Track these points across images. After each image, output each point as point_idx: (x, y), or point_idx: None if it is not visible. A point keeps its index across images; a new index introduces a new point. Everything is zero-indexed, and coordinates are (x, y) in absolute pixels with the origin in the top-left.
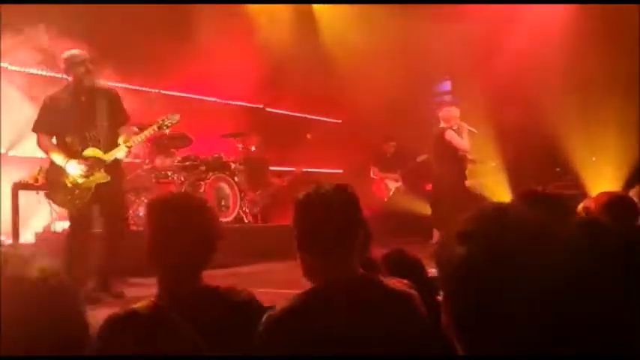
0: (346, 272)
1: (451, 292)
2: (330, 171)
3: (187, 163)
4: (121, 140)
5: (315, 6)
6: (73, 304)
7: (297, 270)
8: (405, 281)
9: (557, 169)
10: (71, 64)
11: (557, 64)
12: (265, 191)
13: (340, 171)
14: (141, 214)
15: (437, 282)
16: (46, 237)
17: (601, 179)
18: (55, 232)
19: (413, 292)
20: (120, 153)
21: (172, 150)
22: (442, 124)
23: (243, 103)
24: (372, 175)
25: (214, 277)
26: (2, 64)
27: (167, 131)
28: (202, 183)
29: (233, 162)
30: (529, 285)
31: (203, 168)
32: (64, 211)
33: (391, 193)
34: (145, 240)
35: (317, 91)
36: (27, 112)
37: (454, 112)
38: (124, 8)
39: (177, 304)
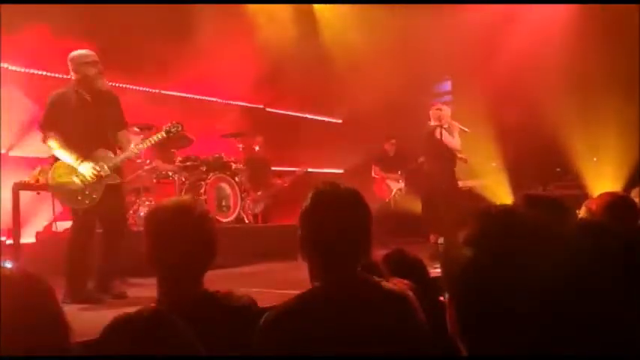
0: (346, 274)
1: (457, 294)
2: (331, 171)
3: (188, 164)
4: (132, 144)
5: (316, 6)
6: (48, 302)
7: (297, 270)
8: (406, 281)
9: (558, 170)
10: (80, 64)
11: (558, 64)
12: (267, 191)
13: (341, 171)
14: (142, 214)
15: (439, 282)
16: (46, 236)
17: (602, 179)
18: (55, 232)
19: (409, 293)
20: (129, 156)
21: (173, 150)
22: (433, 123)
23: (244, 104)
24: (373, 174)
25: (215, 277)
26: (2, 65)
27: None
28: (203, 183)
29: (234, 162)
30: (534, 287)
31: (204, 168)
32: (65, 211)
33: (392, 193)
34: (145, 246)
35: (317, 90)
36: (27, 112)
37: (445, 110)
38: (124, 8)
39: (177, 309)
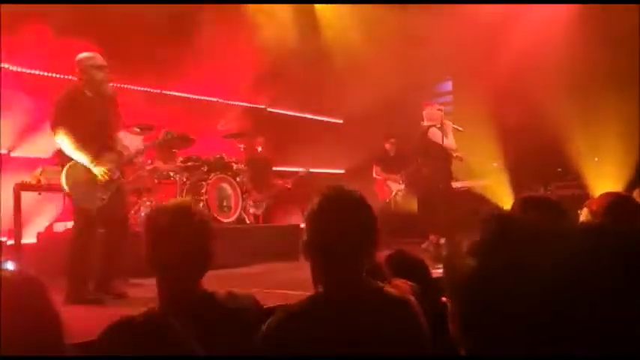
0: (349, 277)
1: (460, 299)
2: (332, 171)
3: (189, 164)
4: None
5: (317, 6)
6: (42, 302)
7: (298, 270)
8: (409, 282)
9: (559, 170)
10: (89, 66)
11: (559, 64)
12: (268, 192)
13: (342, 171)
14: (143, 214)
15: (441, 283)
16: (47, 237)
17: (603, 180)
18: (57, 232)
19: (411, 297)
20: (132, 158)
21: (174, 151)
22: (426, 123)
23: (245, 104)
24: (374, 175)
25: (216, 277)
26: (3, 65)
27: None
28: (204, 183)
29: (235, 162)
30: (537, 291)
31: (205, 168)
32: (66, 212)
33: (393, 194)
34: (144, 247)
35: (318, 91)
36: (29, 113)
37: (438, 110)
38: (126, 9)
39: (176, 310)
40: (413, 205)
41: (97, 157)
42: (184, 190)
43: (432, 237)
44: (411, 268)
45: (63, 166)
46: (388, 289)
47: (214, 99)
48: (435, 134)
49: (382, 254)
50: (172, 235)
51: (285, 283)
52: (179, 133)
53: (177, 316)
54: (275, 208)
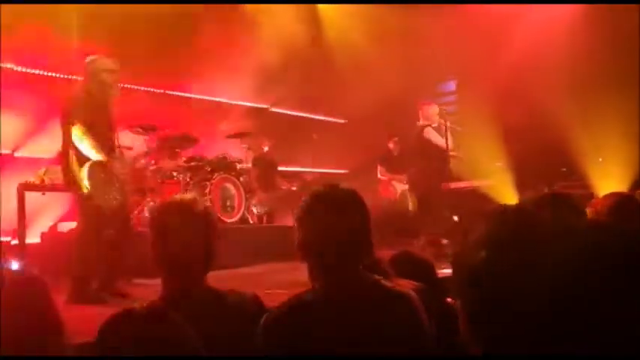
0: (346, 274)
1: (469, 296)
2: (336, 171)
3: (193, 164)
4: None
5: (320, 6)
6: (42, 301)
7: (301, 271)
8: (413, 282)
9: (563, 169)
10: (100, 69)
11: (564, 64)
12: (274, 194)
13: (345, 171)
14: (146, 214)
15: (446, 283)
16: (51, 237)
17: (607, 179)
18: (60, 232)
19: (411, 292)
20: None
21: (177, 150)
22: (422, 122)
23: (249, 104)
24: (379, 175)
25: (218, 277)
26: (7, 65)
27: None
28: (208, 183)
29: (238, 162)
30: (548, 288)
31: (208, 168)
32: (70, 212)
33: (398, 194)
34: (149, 244)
35: (321, 91)
36: (32, 112)
37: (434, 109)
38: (128, 9)
39: (179, 305)
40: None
41: (110, 154)
42: (188, 190)
43: (422, 237)
44: (416, 268)
45: (81, 165)
46: (386, 282)
47: (217, 99)
48: (430, 134)
49: (387, 254)
50: (177, 230)
51: (288, 284)
52: (181, 133)
53: (179, 310)
54: (279, 209)
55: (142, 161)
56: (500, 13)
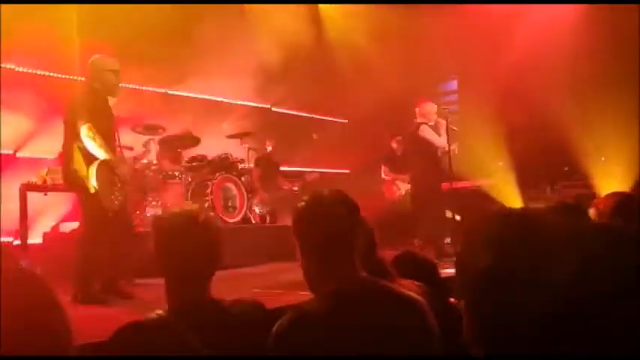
0: (348, 277)
1: (474, 298)
2: (338, 171)
3: (194, 164)
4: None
5: (321, 6)
6: (49, 302)
7: (301, 271)
8: (416, 282)
9: (566, 169)
10: (104, 70)
11: (566, 63)
12: (276, 194)
13: (347, 171)
14: (148, 214)
15: (449, 283)
16: (54, 237)
17: (610, 179)
18: (63, 233)
19: (422, 299)
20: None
21: (179, 150)
22: (418, 120)
23: (250, 103)
24: (383, 175)
25: (220, 277)
26: (9, 66)
27: None
28: (209, 183)
29: (240, 162)
30: (553, 290)
31: (210, 168)
32: (72, 212)
33: (402, 194)
34: (153, 254)
35: (323, 90)
36: (34, 113)
37: (431, 107)
38: (129, 9)
39: (185, 317)
40: None
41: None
42: (189, 190)
43: (417, 241)
44: (418, 268)
45: (88, 164)
46: (396, 287)
47: (219, 99)
48: (426, 131)
49: (389, 254)
50: (179, 241)
51: (290, 284)
52: (183, 134)
53: (185, 322)
54: (281, 209)
55: (144, 161)
56: (501, 13)
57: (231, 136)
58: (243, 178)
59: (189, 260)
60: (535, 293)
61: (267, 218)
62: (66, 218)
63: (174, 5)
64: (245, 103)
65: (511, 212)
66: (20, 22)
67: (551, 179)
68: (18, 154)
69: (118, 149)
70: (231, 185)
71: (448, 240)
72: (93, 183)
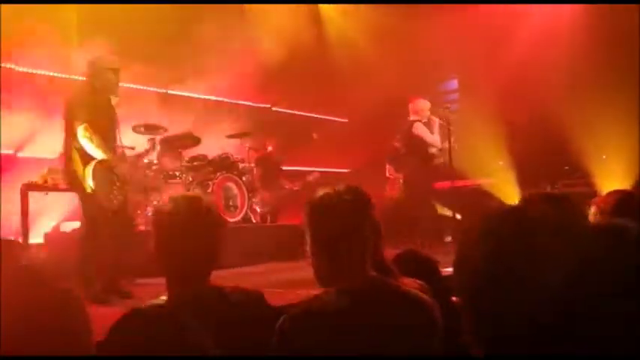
0: (359, 275)
1: (471, 295)
2: (339, 170)
3: (195, 163)
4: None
5: (321, 6)
6: (71, 296)
7: (304, 270)
8: (418, 281)
9: (566, 167)
10: (103, 68)
11: (567, 62)
12: (277, 193)
13: (347, 170)
14: (149, 214)
15: (450, 281)
16: (55, 237)
17: (611, 177)
18: (64, 233)
19: (429, 299)
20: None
21: (180, 150)
22: (412, 117)
23: (251, 103)
24: (387, 174)
25: (221, 277)
26: (10, 66)
27: None
28: (210, 183)
29: (241, 162)
30: (550, 287)
31: (211, 168)
32: (73, 212)
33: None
34: (152, 242)
35: (323, 90)
36: (35, 112)
37: (424, 104)
38: (129, 9)
39: (185, 305)
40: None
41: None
42: (190, 190)
43: (419, 239)
44: (420, 267)
45: (85, 165)
46: (408, 288)
47: (219, 99)
48: (419, 129)
49: (390, 253)
50: (183, 228)
51: (290, 283)
52: (184, 133)
53: (186, 309)
54: (282, 208)
55: (145, 161)
56: (502, 12)
57: (231, 136)
58: (244, 178)
59: (191, 245)
60: (533, 291)
61: (268, 218)
62: (67, 218)
63: (175, 5)
64: (245, 103)
65: (509, 209)
66: (20, 22)
67: (552, 178)
68: (19, 154)
69: (120, 148)
70: (232, 185)
71: (449, 238)
72: (89, 183)
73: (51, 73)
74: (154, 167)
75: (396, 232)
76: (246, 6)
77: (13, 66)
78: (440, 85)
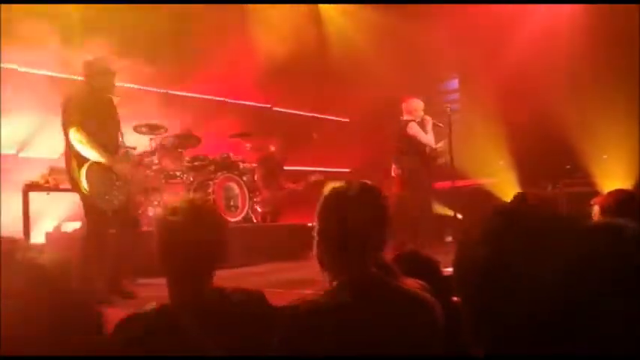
0: (360, 269)
1: (471, 294)
2: (340, 170)
3: (196, 163)
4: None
5: (322, 6)
6: (82, 291)
7: (305, 270)
8: (419, 281)
9: (568, 167)
10: (94, 72)
11: (567, 61)
12: (277, 193)
13: (348, 170)
14: (150, 214)
15: (451, 281)
16: (56, 237)
17: (612, 177)
18: (65, 233)
19: (432, 299)
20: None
21: (180, 150)
22: (405, 117)
23: (251, 103)
24: (392, 173)
25: (222, 277)
26: (12, 66)
27: None
28: (211, 183)
29: (242, 162)
30: (550, 286)
31: (212, 168)
32: (74, 212)
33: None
34: (155, 245)
35: (324, 90)
36: (36, 113)
37: (417, 104)
38: (129, 9)
39: (187, 306)
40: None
41: (114, 155)
42: (191, 190)
43: (420, 239)
44: (421, 267)
45: (79, 167)
46: (410, 287)
47: (221, 98)
48: (414, 129)
49: (392, 253)
50: (184, 231)
51: (291, 283)
52: (185, 133)
53: (188, 311)
54: (284, 208)
55: (146, 161)
56: (502, 12)
57: (232, 136)
58: (244, 178)
59: (194, 249)
60: (533, 291)
61: (269, 218)
62: (69, 218)
63: (175, 5)
64: (246, 102)
65: (510, 207)
66: (21, 21)
67: (553, 177)
68: (20, 155)
69: (123, 148)
70: (233, 184)
71: (449, 238)
72: (84, 185)
73: (51, 73)
74: (155, 167)
75: (395, 232)
76: (247, 6)
77: (13, 66)
78: (440, 85)
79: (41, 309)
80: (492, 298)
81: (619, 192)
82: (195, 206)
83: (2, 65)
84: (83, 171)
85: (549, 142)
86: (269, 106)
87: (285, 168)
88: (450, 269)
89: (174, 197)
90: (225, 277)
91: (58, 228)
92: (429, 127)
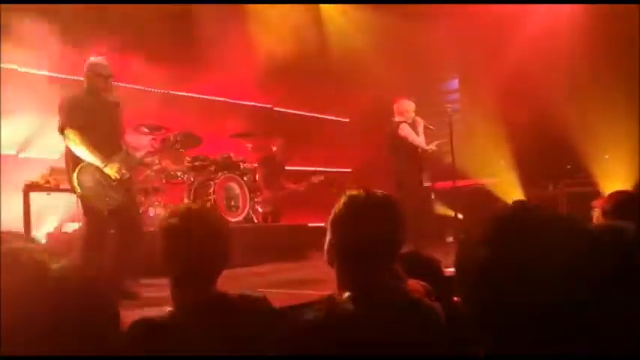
0: (375, 281)
1: (472, 294)
2: (340, 170)
3: (197, 164)
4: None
5: (322, 6)
6: (100, 293)
7: (306, 270)
8: (422, 283)
9: (569, 167)
10: (90, 74)
11: (568, 61)
12: (278, 194)
13: (349, 170)
14: (151, 214)
15: (453, 282)
16: (57, 237)
17: (613, 177)
18: (66, 233)
19: (438, 305)
20: (141, 162)
21: (181, 150)
22: (397, 118)
23: (252, 103)
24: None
25: (223, 277)
26: (12, 66)
27: None
28: (212, 183)
29: (242, 162)
30: (551, 285)
31: (212, 168)
32: (75, 212)
33: None
34: (159, 250)
35: (324, 90)
36: (37, 113)
37: (409, 105)
38: (129, 9)
39: (191, 313)
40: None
41: (106, 158)
42: (192, 190)
43: (422, 239)
44: (423, 268)
45: (74, 168)
46: (417, 295)
47: (222, 99)
48: (405, 130)
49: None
50: (188, 236)
51: (293, 283)
52: (186, 133)
53: (192, 318)
54: (285, 208)
55: (146, 161)
56: (502, 12)
57: (233, 136)
58: (245, 178)
59: (196, 257)
60: (534, 291)
61: (270, 218)
62: (69, 218)
63: (175, 5)
64: (246, 103)
65: (511, 207)
66: (21, 21)
67: (554, 177)
68: (21, 155)
69: (126, 149)
70: (233, 185)
71: (450, 239)
72: (76, 186)
73: (51, 74)
74: (156, 167)
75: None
76: (247, 6)
77: (13, 66)
78: (440, 85)
79: (63, 310)
80: (493, 299)
81: (619, 193)
82: (199, 211)
83: (2, 65)
84: (75, 173)
85: (550, 142)
86: (270, 106)
87: (290, 168)
88: (451, 269)
89: (178, 201)
90: (225, 277)
91: (58, 228)
92: (421, 128)
